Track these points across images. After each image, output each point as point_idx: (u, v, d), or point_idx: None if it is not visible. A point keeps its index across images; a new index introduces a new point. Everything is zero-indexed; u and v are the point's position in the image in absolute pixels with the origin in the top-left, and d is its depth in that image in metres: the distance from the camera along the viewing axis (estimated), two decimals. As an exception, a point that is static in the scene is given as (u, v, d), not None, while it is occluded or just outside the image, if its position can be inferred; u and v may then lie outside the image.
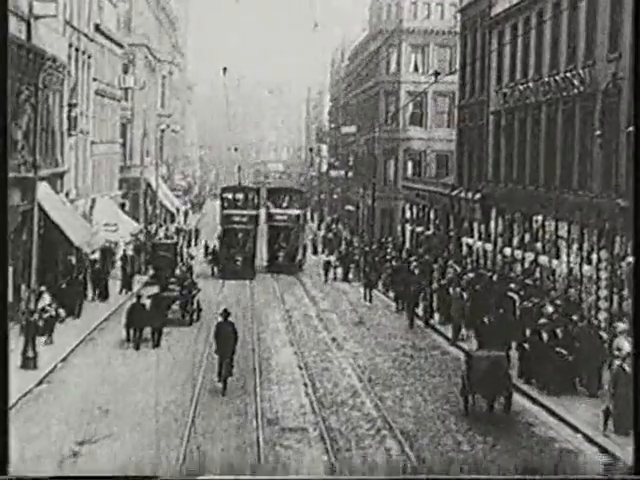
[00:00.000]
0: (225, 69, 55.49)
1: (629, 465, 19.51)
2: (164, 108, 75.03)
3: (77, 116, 39.65)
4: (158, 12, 75.07)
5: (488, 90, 43.58)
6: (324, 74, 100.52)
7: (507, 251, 39.25)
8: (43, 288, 32.29)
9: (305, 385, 25.94)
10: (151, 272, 46.05)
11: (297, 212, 52.07)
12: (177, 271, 42.80)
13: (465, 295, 33.70)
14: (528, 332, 27.50)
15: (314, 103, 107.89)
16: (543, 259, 35.30)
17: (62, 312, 33.33)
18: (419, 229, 56.94)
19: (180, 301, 35.16)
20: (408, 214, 60.68)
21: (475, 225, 45.07)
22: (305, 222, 55.58)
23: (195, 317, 35.46)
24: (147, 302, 32.12)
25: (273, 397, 24.56)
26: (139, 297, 32.28)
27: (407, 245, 58.15)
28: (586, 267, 31.74)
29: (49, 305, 31.85)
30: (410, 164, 64.69)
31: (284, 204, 52.26)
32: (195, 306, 35.67)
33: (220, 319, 26.99)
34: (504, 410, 23.18)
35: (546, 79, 35.91)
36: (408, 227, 60.60)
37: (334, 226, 69.96)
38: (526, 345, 26.26)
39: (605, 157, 30.28)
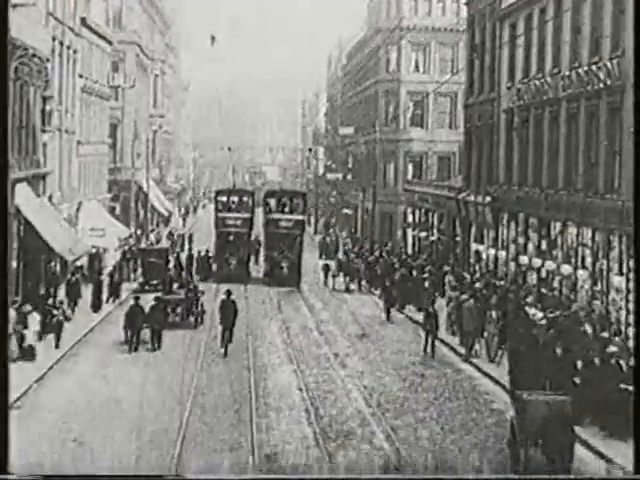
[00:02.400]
0: (213, 38, 52.58)
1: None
2: (156, 108, 73.36)
3: (53, 110, 36.81)
4: (150, 10, 73.00)
5: (499, 87, 40.85)
6: (320, 74, 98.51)
7: (524, 259, 36.33)
8: (29, 307, 29.77)
9: (307, 411, 23.03)
10: (140, 279, 43.57)
11: (301, 217, 48.61)
12: (183, 275, 42.36)
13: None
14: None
15: (310, 104, 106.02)
16: (566, 268, 32.35)
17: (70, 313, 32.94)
18: (422, 234, 54.33)
19: (185, 304, 34.82)
20: (410, 218, 58.17)
21: (485, 230, 42.33)
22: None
23: (200, 320, 34.88)
24: (152, 304, 31.53)
25: (271, 427, 21.65)
26: (137, 298, 31.40)
27: (409, 251, 55.64)
28: (617, 278, 28.84)
29: (57, 307, 30.91)
30: (410, 166, 62.63)
31: (287, 209, 48.88)
32: (200, 309, 35.19)
33: (224, 297, 31.64)
34: (562, 463, 18.73)
35: (566, 73, 33.08)
36: (410, 232, 58.08)
37: (331, 230, 67.91)
38: (577, 379, 22.18)
39: (636, 156, 27.42)
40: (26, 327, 28.74)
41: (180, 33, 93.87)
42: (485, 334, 29.32)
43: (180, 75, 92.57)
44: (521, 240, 37.65)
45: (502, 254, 39.67)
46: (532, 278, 35.94)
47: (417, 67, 63.14)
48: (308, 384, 25.95)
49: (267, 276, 46.61)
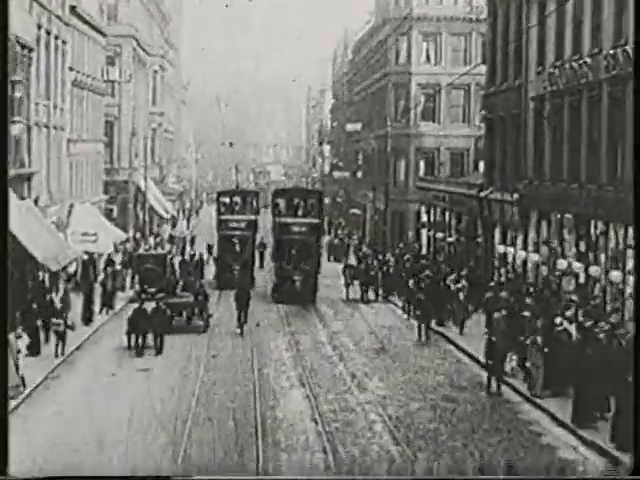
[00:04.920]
0: None
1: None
2: (156, 105, 70.49)
3: (23, 97, 33.30)
4: (148, 3, 69.97)
5: (526, 72, 37.11)
6: (325, 70, 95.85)
7: (562, 263, 32.49)
8: (19, 331, 26.47)
9: (324, 452, 19.25)
10: (137, 287, 40.47)
11: (317, 221, 42.69)
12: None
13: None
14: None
15: (314, 101, 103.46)
16: (615, 275, 28.51)
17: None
18: (439, 235, 50.75)
19: (194, 307, 33.96)
20: (425, 218, 54.60)
21: (511, 231, 38.61)
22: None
23: (207, 324, 33.73)
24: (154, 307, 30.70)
25: (282, 472, 17.92)
26: (142, 302, 30.73)
27: (424, 252, 52.19)
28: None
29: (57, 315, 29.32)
30: (422, 163, 59.52)
31: (300, 211, 43.41)
32: (207, 312, 34.16)
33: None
34: None
35: (610, 51, 29.33)
36: (425, 233, 54.56)
37: (340, 231, 64.90)
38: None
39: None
40: (19, 351, 25.18)
41: (180, 28, 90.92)
42: (527, 363, 25.23)
43: (180, 71, 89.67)
44: (555, 242, 33.95)
45: (533, 257, 35.90)
46: (569, 284, 32.18)
47: (428, 58, 60.04)
48: (323, 414, 22.27)
49: (276, 292, 40.76)
